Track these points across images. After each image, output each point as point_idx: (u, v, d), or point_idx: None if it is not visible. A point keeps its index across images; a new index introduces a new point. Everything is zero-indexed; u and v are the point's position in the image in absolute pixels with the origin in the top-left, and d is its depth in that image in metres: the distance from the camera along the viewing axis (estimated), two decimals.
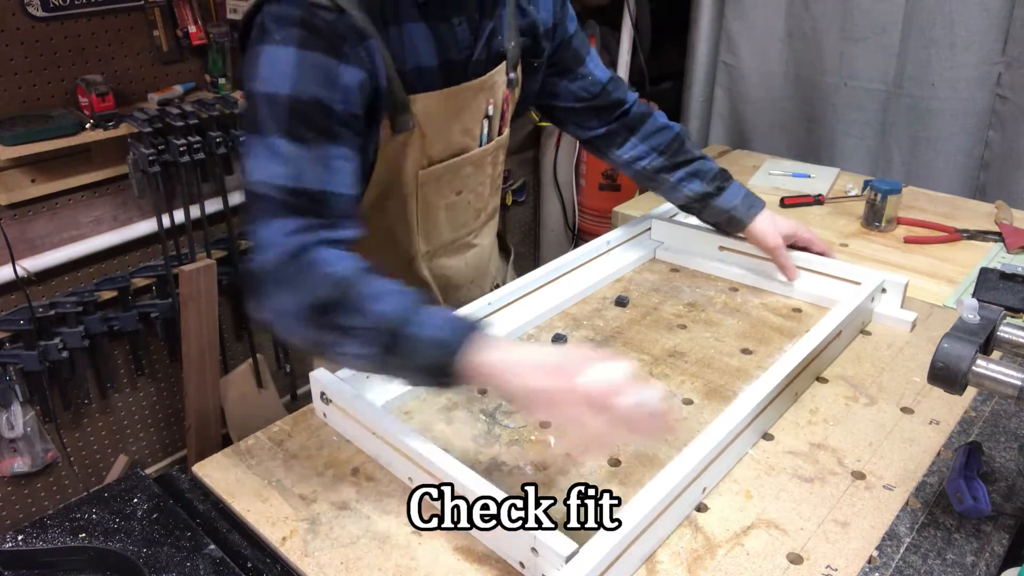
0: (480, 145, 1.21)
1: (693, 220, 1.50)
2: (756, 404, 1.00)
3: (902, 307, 1.30)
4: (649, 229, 1.56)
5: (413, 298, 0.91)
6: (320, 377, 1.07)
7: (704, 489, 0.95)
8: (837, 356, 1.22)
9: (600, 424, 0.79)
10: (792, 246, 1.39)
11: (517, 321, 1.29)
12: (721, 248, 1.46)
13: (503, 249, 1.54)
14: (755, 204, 1.38)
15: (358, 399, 1.02)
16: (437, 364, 0.86)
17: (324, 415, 1.10)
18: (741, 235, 1.42)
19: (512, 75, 1.21)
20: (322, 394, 1.07)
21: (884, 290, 1.31)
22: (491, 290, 1.35)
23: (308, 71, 0.95)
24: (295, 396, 2.73)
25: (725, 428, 0.95)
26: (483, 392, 1.16)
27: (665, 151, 1.39)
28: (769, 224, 1.36)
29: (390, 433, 0.97)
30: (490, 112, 1.20)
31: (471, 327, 0.87)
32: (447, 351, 0.85)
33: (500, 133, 1.26)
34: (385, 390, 1.12)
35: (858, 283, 1.30)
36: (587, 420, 0.79)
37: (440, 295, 1.31)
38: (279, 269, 0.92)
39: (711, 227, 1.47)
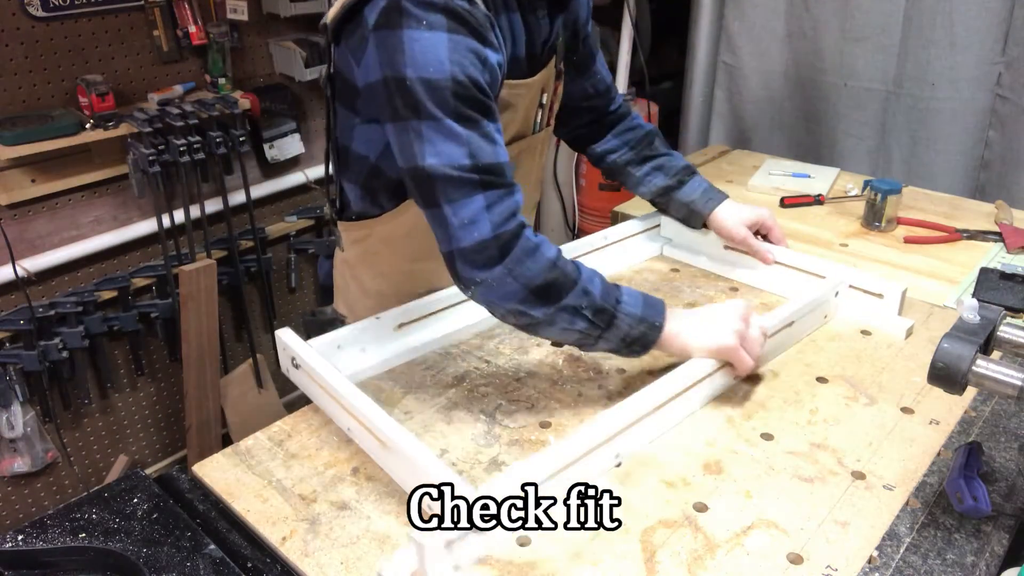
0: (533, 132, 1.26)
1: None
2: (685, 379, 1.06)
3: (900, 314, 1.30)
4: (659, 225, 1.57)
5: (607, 281, 1.07)
6: (287, 340, 1.13)
7: (617, 455, 0.99)
8: (791, 347, 1.24)
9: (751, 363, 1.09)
10: (758, 233, 1.42)
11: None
12: (726, 247, 1.46)
13: None
14: (714, 197, 1.40)
15: (322, 364, 1.08)
16: (643, 337, 1.07)
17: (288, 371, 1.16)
18: (707, 228, 1.45)
19: (561, 66, 1.27)
20: (292, 359, 1.13)
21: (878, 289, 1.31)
22: None
23: (464, 55, 0.99)
24: (290, 400, 2.72)
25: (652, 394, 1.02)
26: (483, 392, 1.16)
27: (635, 146, 1.44)
28: (731, 216, 1.39)
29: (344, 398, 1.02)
30: (544, 101, 1.25)
31: (661, 305, 1.09)
32: (653, 326, 1.07)
33: (548, 123, 1.31)
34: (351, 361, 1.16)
35: (877, 292, 1.31)
36: (744, 361, 1.09)
37: None
38: (505, 255, 1.00)
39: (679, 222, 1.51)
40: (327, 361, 1.09)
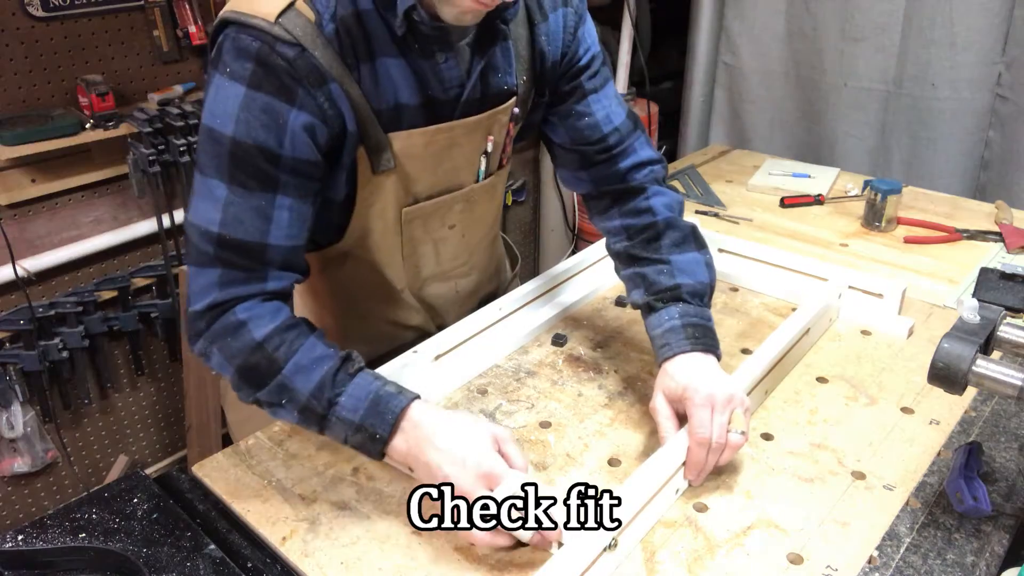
0: (477, 180, 1.14)
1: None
2: None
3: (900, 313, 1.30)
4: None
5: (336, 367, 0.92)
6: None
7: (677, 490, 0.96)
8: (806, 354, 1.23)
9: (484, 536, 0.86)
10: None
11: (523, 329, 1.29)
12: (720, 251, 1.46)
13: (510, 256, 1.48)
14: (670, 344, 1.04)
15: None
16: (364, 447, 0.92)
17: None
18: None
19: (517, 111, 1.11)
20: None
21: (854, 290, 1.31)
22: (482, 304, 1.31)
23: (255, 114, 0.90)
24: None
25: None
26: (483, 392, 1.16)
27: (632, 237, 1.15)
28: (662, 378, 1.03)
29: None
30: (489, 149, 1.11)
31: (395, 411, 0.90)
32: (373, 438, 0.91)
33: (501, 166, 1.17)
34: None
35: (877, 292, 1.30)
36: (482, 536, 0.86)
37: (429, 319, 1.26)
38: (209, 327, 0.94)
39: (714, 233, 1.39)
40: None
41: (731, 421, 0.95)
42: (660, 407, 1.01)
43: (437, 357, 1.17)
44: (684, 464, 0.95)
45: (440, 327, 1.23)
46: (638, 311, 1.14)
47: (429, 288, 1.22)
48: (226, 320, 0.93)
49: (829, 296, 1.26)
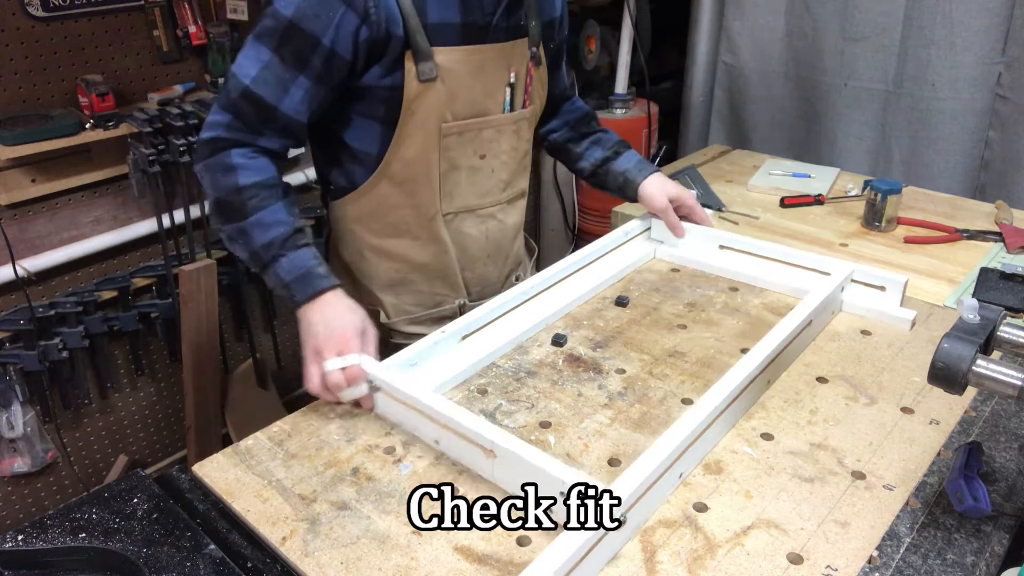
0: (504, 111, 1.30)
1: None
2: (729, 393, 1.02)
3: (901, 306, 1.30)
4: (649, 229, 1.56)
5: (288, 233, 1.14)
6: (368, 367, 1.09)
7: (680, 474, 0.97)
8: (808, 344, 1.24)
9: (315, 384, 1.10)
10: (677, 211, 1.49)
11: (522, 326, 1.29)
12: (721, 247, 1.46)
13: (527, 246, 1.61)
14: (645, 169, 1.47)
15: (404, 383, 1.06)
16: (284, 297, 1.16)
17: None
18: (635, 200, 1.51)
19: (534, 51, 1.31)
20: (369, 382, 1.10)
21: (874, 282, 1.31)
22: (514, 281, 1.52)
23: (312, 4, 1.10)
24: (290, 400, 2.72)
25: (698, 418, 0.97)
26: (483, 392, 1.16)
27: (575, 125, 1.54)
28: (658, 187, 1.45)
29: (435, 410, 1.01)
30: (512, 80, 1.29)
31: (314, 287, 1.13)
32: (291, 299, 1.14)
33: (525, 106, 1.34)
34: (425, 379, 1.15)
35: (879, 285, 1.31)
36: (312, 378, 1.10)
37: (458, 260, 1.38)
38: (208, 157, 1.16)
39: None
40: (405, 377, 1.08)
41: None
42: (669, 206, 1.45)
43: (464, 337, 1.22)
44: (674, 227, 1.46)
45: (468, 282, 1.41)
46: (639, 309, 1.30)
47: (462, 223, 1.36)
48: (222, 158, 1.15)
49: (832, 287, 1.27)
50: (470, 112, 1.26)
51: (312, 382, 1.10)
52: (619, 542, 0.87)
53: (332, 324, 1.11)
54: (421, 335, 1.24)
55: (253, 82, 1.14)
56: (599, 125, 1.56)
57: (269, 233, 1.14)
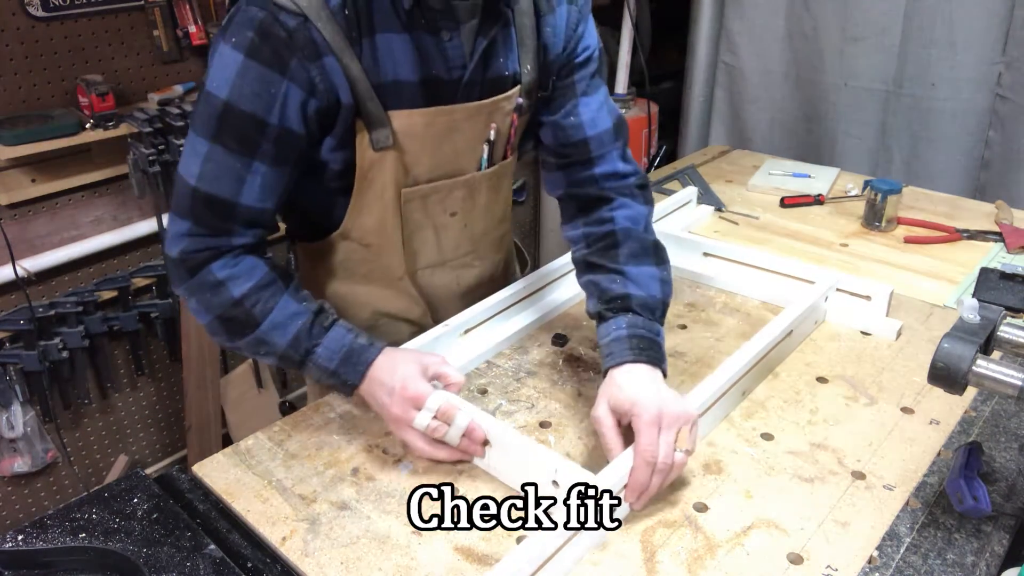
0: (480, 169, 1.15)
1: (673, 226, 1.52)
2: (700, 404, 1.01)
3: (887, 316, 1.28)
4: None
5: (310, 321, 1.01)
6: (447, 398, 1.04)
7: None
8: (791, 353, 1.22)
9: (424, 448, 0.99)
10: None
11: (518, 324, 1.29)
12: (705, 255, 1.45)
13: (520, 260, 1.48)
14: (614, 354, 1.02)
15: None
16: (339, 388, 1.03)
17: None
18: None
19: (522, 101, 1.12)
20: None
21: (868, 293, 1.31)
22: None
23: (248, 82, 0.95)
24: (288, 404, 2.72)
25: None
26: (483, 392, 1.16)
27: (591, 245, 1.15)
28: (605, 390, 1.00)
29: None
30: (491, 137, 1.13)
31: (364, 364, 1.01)
32: (345, 384, 1.02)
33: (505, 157, 1.19)
34: None
35: (865, 295, 1.29)
36: (415, 445, 0.99)
37: (427, 311, 1.27)
38: (190, 278, 1.02)
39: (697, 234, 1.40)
40: None
41: (677, 440, 0.92)
42: (603, 417, 0.97)
43: (466, 331, 1.21)
44: (625, 487, 0.91)
45: (438, 323, 1.23)
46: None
47: (430, 277, 1.24)
48: (205, 276, 1.01)
49: (814, 298, 1.25)
50: (437, 174, 1.12)
51: (420, 450, 0.99)
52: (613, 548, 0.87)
53: (391, 385, 0.99)
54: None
55: (199, 180, 0.98)
56: (630, 259, 1.11)
57: (289, 331, 1.01)
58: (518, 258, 1.48)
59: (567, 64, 1.15)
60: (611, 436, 0.97)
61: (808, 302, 1.24)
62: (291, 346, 1.01)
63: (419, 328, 1.25)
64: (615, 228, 1.13)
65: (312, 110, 0.99)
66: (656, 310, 1.07)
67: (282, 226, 1.30)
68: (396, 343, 1.15)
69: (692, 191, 1.70)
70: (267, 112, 0.96)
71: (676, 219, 1.62)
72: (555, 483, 0.91)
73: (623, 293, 1.07)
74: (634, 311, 1.05)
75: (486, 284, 1.33)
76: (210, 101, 0.96)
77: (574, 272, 1.38)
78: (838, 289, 1.31)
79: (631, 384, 0.97)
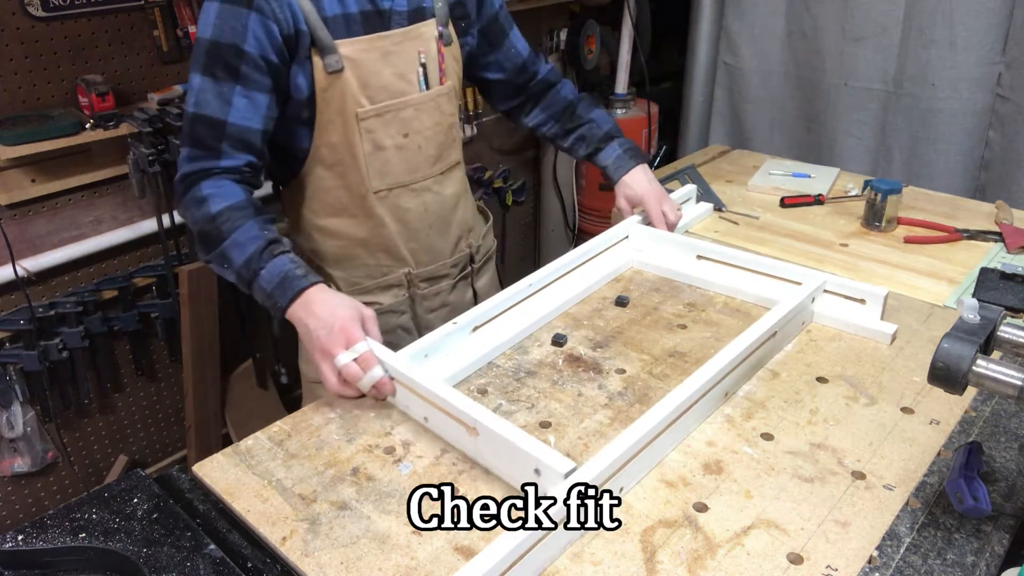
0: (420, 90, 1.36)
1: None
2: (674, 409, 1.01)
3: (882, 319, 1.27)
4: (627, 237, 1.53)
5: (263, 246, 1.18)
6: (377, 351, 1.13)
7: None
8: (772, 357, 1.22)
9: (334, 383, 1.11)
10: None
11: (521, 324, 1.29)
12: (699, 257, 1.45)
13: (482, 214, 1.68)
14: (624, 165, 1.55)
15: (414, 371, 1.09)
16: (272, 308, 1.19)
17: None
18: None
19: (442, 30, 1.37)
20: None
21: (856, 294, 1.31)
22: (464, 248, 1.53)
23: (225, 19, 1.19)
24: (289, 401, 2.72)
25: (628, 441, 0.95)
26: (483, 392, 1.16)
27: (559, 118, 1.59)
28: (622, 187, 1.55)
29: (423, 387, 1.05)
30: (423, 60, 1.35)
31: (295, 288, 1.16)
32: (275, 305, 1.18)
33: (441, 83, 1.39)
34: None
35: (859, 298, 1.28)
36: (328, 377, 1.12)
37: (399, 234, 1.42)
38: (184, 195, 1.23)
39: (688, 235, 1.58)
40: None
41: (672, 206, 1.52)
42: (624, 208, 1.56)
43: (475, 328, 1.25)
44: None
45: (413, 252, 1.44)
46: (639, 309, 1.34)
47: (397, 199, 1.40)
48: (194, 193, 1.22)
49: (798, 300, 1.25)
50: (386, 95, 1.32)
51: (330, 382, 1.11)
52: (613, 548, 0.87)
53: (328, 321, 1.11)
54: (373, 303, 1.40)
55: (195, 106, 1.21)
56: (587, 110, 1.59)
57: (246, 251, 1.18)
58: (480, 213, 1.66)
59: (490, 14, 1.47)
60: (628, 216, 1.54)
61: (793, 303, 1.23)
62: (244, 265, 1.18)
63: (394, 260, 1.43)
64: (571, 98, 1.60)
65: (276, 36, 1.20)
66: (620, 131, 1.61)
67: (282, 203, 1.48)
68: (371, 276, 1.43)
69: (691, 189, 1.71)
70: (242, 40, 1.19)
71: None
72: (537, 471, 0.92)
73: (603, 132, 1.58)
74: (614, 136, 1.58)
75: (449, 212, 1.49)
76: (198, 43, 1.20)
77: (576, 269, 1.42)
78: (832, 292, 1.30)
79: (637, 183, 1.54)
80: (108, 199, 2.14)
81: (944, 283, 1.45)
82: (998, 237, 1.60)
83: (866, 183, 1.77)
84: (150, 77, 2.13)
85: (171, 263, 2.21)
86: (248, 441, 1.07)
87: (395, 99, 1.34)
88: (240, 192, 1.23)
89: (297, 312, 1.15)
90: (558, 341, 1.27)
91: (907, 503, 0.94)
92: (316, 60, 1.25)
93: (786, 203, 1.78)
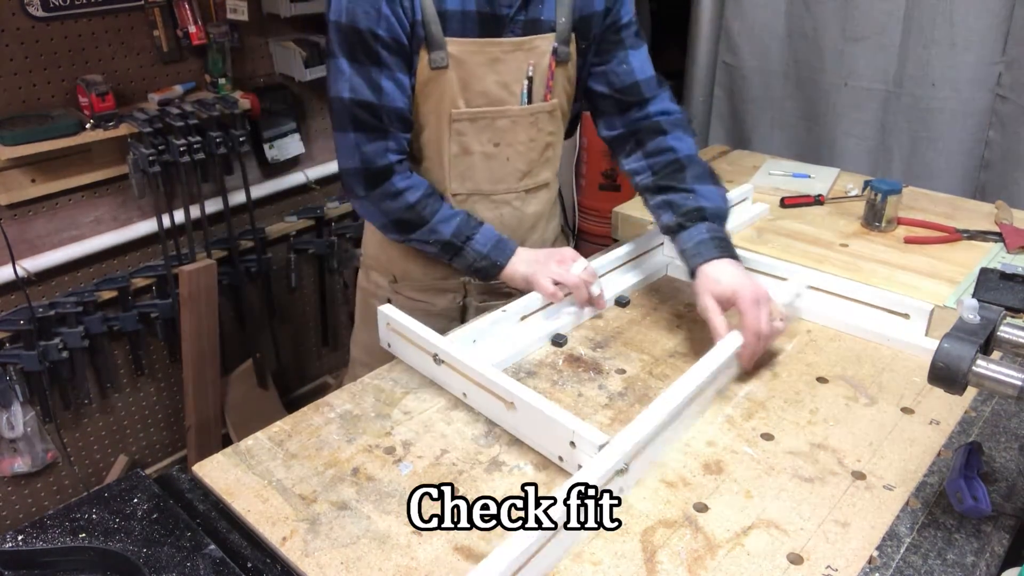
0: (521, 104, 1.33)
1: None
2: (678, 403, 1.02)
3: (927, 335, 1.25)
4: (662, 244, 1.52)
5: (465, 218, 1.31)
6: (387, 312, 1.22)
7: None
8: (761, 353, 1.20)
9: (550, 289, 1.26)
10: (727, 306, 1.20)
11: (522, 326, 1.29)
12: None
13: (564, 236, 1.69)
14: (702, 253, 1.22)
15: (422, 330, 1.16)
16: (487, 269, 1.32)
17: (388, 344, 1.25)
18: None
19: (559, 46, 1.31)
20: (388, 323, 1.22)
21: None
22: None
23: (359, 4, 1.19)
24: (290, 400, 2.72)
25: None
26: None
27: (658, 172, 1.35)
28: (706, 281, 1.20)
29: (446, 352, 1.12)
30: (530, 73, 1.31)
31: (511, 250, 1.32)
32: (495, 265, 1.31)
33: (545, 99, 1.35)
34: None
35: (903, 313, 1.27)
36: (546, 287, 1.27)
37: None
38: (370, 190, 1.28)
39: None
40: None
41: (771, 312, 1.16)
42: (711, 305, 1.18)
43: (523, 318, 1.28)
44: (738, 355, 1.14)
45: None
46: (639, 309, 1.34)
47: (474, 206, 1.40)
48: (387, 188, 1.28)
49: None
50: (484, 101, 1.31)
51: (548, 290, 1.26)
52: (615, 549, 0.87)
53: (549, 254, 1.29)
54: (426, 303, 1.45)
55: (352, 92, 1.23)
56: (697, 180, 1.31)
57: (452, 223, 1.30)
58: (563, 236, 1.65)
59: (613, 25, 1.37)
60: (719, 320, 1.17)
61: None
62: (454, 234, 1.30)
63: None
64: (679, 156, 1.35)
65: (403, 23, 1.21)
66: (724, 219, 1.31)
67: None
68: (430, 275, 1.45)
69: (748, 188, 1.68)
70: (376, 24, 1.20)
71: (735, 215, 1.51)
72: (572, 444, 0.96)
73: (698, 206, 1.28)
74: (709, 220, 1.27)
75: (525, 231, 1.47)
76: (335, 27, 1.21)
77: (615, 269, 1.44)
78: (871, 304, 1.29)
79: (726, 275, 1.18)
80: (108, 199, 2.14)
81: (944, 283, 1.45)
82: (998, 237, 1.60)
83: (866, 183, 1.77)
84: (150, 77, 2.13)
85: (171, 263, 2.21)
86: (248, 441, 1.07)
87: (492, 107, 1.32)
88: (424, 181, 1.31)
89: (516, 266, 1.30)
90: (558, 341, 1.27)
91: (907, 503, 0.94)
92: (423, 54, 1.25)
93: (786, 203, 1.78)
